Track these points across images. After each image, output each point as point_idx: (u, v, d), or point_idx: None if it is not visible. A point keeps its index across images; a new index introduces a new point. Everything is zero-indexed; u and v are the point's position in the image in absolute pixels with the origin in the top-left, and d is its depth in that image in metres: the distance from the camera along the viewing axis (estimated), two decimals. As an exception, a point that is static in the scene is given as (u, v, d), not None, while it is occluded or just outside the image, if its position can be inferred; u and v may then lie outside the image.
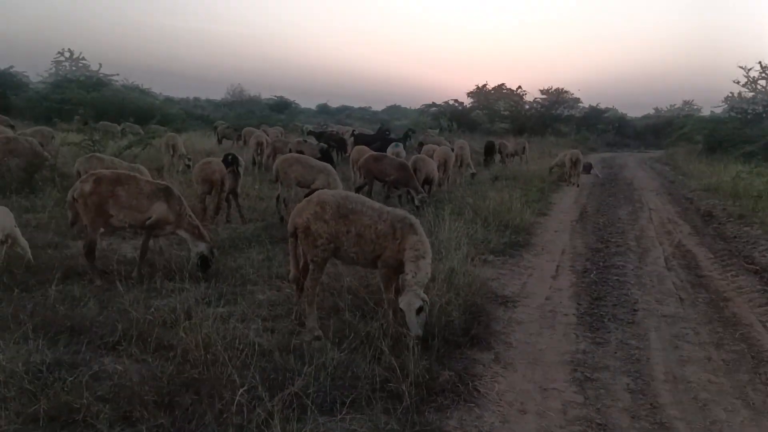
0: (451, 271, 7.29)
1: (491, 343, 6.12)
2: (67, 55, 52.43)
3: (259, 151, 19.61)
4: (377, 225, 5.91)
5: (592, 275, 9.05)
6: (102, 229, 7.41)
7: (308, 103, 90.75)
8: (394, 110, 78.95)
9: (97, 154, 10.61)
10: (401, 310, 5.26)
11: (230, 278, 7.59)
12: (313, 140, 21.95)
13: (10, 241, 7.56)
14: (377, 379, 4.91)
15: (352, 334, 5.70)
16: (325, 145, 18.71)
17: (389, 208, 6.14)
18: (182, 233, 7.75)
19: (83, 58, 52.57)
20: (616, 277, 8.99)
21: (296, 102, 64.25)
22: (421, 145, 24.63)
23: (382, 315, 5.94)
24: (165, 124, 31.83)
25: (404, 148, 20.24)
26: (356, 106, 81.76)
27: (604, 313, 7.33)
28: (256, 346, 5.46)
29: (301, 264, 6.27)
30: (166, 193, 7.58)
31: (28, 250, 7.64)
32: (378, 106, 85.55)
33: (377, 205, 6.17)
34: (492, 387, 5.19)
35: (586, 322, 7.01)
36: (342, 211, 5.93)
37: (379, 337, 5.46)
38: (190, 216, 7.75)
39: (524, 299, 7.76)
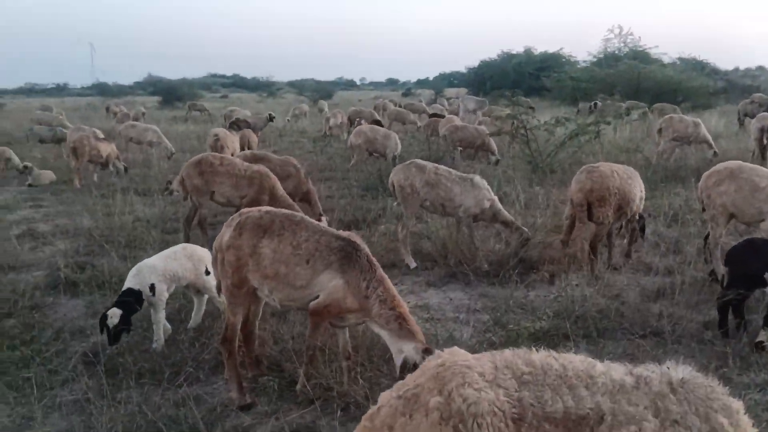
0: None
1: None
2: (616, 32, 50.83)
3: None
4: None
5: None
6: (241, 310, 4.48)
7: None
8: None
9: (417, 161, 7.63)
10: None
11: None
12: None
13: (202, 293, 5.54)
14: None
15: None
16: None
17: None
18: (375, 327, 4.19)
19: (631, 33, 50.02)
20: None
21: None
22: None
23: None
24: (681, 102, 26.49)
25: None
26: None
27: None
28: None
29: None
30: (343, 256, 4.14)
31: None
32: None
33: None
34: None
35: None
36: None
37: None
38: (382, 299, 4.10)
39: None
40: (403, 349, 4.04)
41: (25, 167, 13.21)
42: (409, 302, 6.27)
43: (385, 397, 2.15)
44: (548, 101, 37.56)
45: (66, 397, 4.35)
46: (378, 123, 19.05)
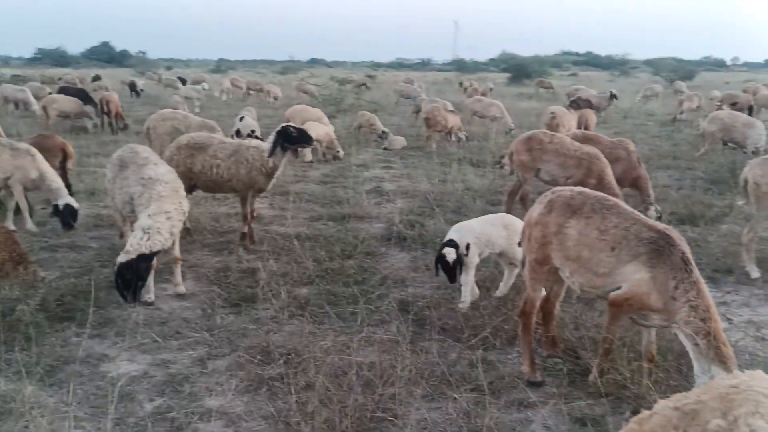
0: None
1: None
2: None
3: None
4: None
5: None
6: (542, 287, 4.38)
7: None
8: None
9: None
10: None
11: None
12: None
13: (514, 264, 5.63)
14: None
15: None
16: None
17: None
18: (681, 336, 3.74)
19: None
20: None
21: None
22: None
23: None
24: None
25: None
26: None
27: None
28: None
29: None
30: (653, 249, 3.75)
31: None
32: None
33: None
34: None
35: None
36: None
37: None
38: (693, 305, 3.62)
39: None
40: (710, 372, 3.56)
41: (384, 132, 15.01)
42: (740, 316, 5.52)
43: (661, 405, 1.94)
44: None
45: (379, 335, 4.91)
46: (749, 110, 16.61)
